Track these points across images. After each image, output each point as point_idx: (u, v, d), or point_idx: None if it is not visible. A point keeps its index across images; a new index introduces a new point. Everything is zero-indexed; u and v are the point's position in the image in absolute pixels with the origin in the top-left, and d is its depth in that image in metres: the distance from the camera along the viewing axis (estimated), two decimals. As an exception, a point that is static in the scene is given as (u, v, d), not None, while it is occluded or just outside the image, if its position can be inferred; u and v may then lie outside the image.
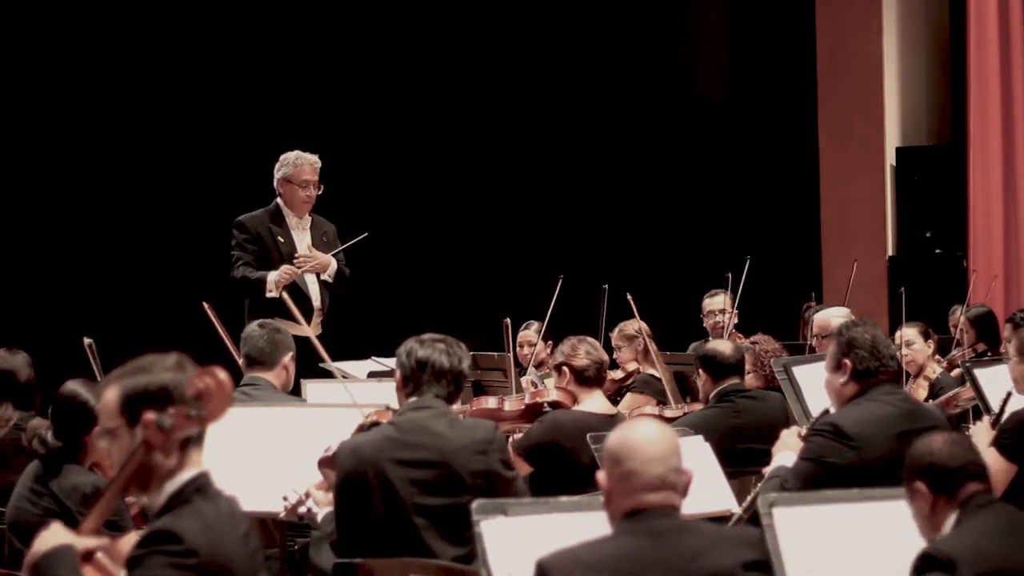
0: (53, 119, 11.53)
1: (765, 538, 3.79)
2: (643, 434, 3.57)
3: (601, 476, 3.59)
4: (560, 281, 8.09)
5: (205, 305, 7.24)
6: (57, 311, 11.01)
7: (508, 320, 7.49)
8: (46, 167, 11.54)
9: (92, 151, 11.61)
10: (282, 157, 8.26)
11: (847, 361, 4.98)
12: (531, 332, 8.81)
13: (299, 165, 8.18)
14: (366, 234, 8.22)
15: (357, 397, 5.60)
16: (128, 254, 11.54)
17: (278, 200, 8.26)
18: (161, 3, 11.82)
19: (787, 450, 5.09)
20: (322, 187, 8.24)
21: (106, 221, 11.57)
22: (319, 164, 8.24)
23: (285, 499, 4.96)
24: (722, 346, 6.86)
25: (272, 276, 8.02)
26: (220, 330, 7.19)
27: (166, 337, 7.84)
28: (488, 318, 7.44)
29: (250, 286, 8.06)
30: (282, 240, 8.17)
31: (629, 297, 7.88)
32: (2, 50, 11.44)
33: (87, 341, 6.70)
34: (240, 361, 6.10)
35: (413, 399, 4.86)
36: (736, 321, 9.04)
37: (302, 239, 8.22)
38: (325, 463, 4.94)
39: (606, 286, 8.56)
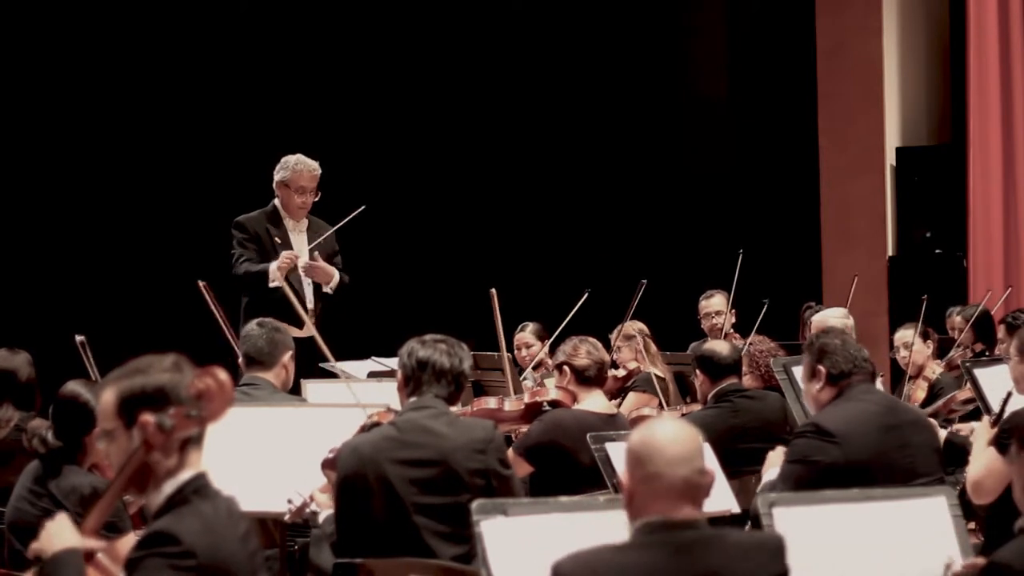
0: (46, 119, 11.51)
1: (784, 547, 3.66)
2: (666, 435, 3.46)
3: (623, 476, 3.50)
4: (586, 294, 8.00)
5: (201, 284, 7.23)
6: (51, 309, 11.01)
7: (494, 290, 7.29)
8: (38, 167, 11.54)
9: (83, 150, 11.60)
10: (283, 160, 8.23)
11: (821, 368, 5.11)
12: (527, 334, 8.80)
13: (298, 171, 8.15)
14: (363, 207, 8.14)
15: (358, 397, 5.61)
16: (119, 251, 11.54)
17: (275, 201, 8.25)
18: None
19: (775, 467, 5.17)
20: (319, 194, 8.20)
21: (97, 218, 11.55)
22: (318, 172, 8.20)
23: (290, 502, 4.96)
24: (719, 347, 6.87)
25: (273, 265, 8.01)
26: (216, 312, 7.21)
27: (159, 334, 7.88)
28: (487, 318, 7.42)
29: (253, 279, 8.03)
30: (279, 241, 8.16)
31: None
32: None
33: (79, 339, 6.67)
34: (240, 361, 6.10)
35: (413, 399, 4.87)
36: (734, 321, 9.04)
37: (299, 240, 8.22)
38: (328, 465, 4.94)
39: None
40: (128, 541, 3.37)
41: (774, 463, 5.19)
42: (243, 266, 8.11)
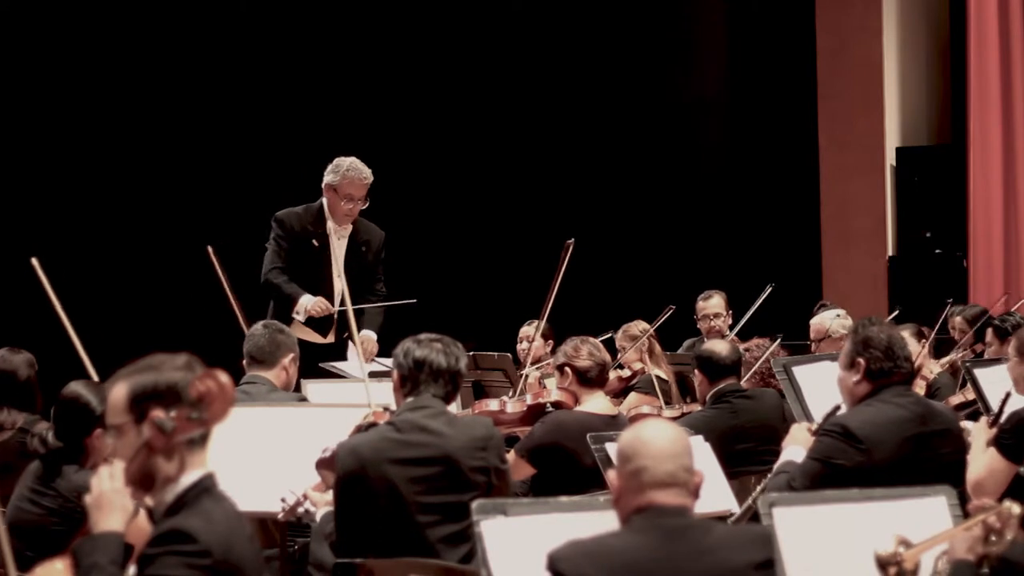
0: (59, 107, 11.50)
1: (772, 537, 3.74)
2: (653, 432, 3.56)
3: (611, 475, 3.57)
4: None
5: (209, 249, 7.17)
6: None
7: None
8: (45, 159, 11.56)
9: (91, 140, 11.61)
10: (335, 162, 7.88)
11: (861, 360, 4.91)
12: (532, 328, 8.78)
13: (348, 177, 7.78)
14: (415, 300, 7.89)
15: (358, 397, 5.62)
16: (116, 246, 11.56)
17: (323, 201, 7.91)
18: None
19: (796, 445, 5.05)
20: (368, 202, 7.87)
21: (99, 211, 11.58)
22: (370, 180, 7.84)
23: (283, 501, 4.97)
24: (719, 347, 6.86)
25: (306, 303, 7.71)
26: (222, 278, 7.16)
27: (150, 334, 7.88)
28: (488, 318, 7.43)
29: (280, 298, 7.78)
30: (317, 244, 7.87)
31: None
32: None
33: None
34: (244, 362, 6.11)
35: (410, 399, 4.87)
36: (730, 322, 9.03)
37: (339, 247, 7.88)
38: (322, 464, 4.95)
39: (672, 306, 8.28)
40: (143, 519, 3.39)
41: (798, 440, 5.05)
42: (273, 275, 7.82)
